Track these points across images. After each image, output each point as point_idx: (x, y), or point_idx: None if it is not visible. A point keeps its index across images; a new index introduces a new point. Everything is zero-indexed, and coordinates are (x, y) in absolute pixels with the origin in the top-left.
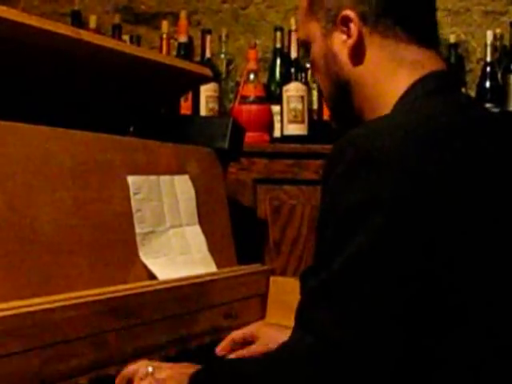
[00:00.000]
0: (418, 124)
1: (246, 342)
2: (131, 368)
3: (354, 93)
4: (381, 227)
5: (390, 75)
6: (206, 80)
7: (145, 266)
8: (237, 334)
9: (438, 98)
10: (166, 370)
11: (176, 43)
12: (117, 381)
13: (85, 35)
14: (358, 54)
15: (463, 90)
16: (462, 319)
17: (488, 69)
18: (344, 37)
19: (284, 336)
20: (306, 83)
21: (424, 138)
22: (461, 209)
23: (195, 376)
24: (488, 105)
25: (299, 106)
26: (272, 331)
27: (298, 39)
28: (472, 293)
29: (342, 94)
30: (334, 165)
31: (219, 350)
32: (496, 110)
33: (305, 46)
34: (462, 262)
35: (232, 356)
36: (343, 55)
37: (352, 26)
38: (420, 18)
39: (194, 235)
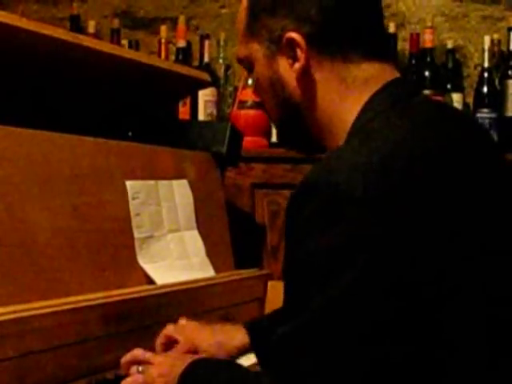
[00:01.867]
0: (378, 157)
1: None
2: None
3: (304, 117)
4: (358, 272)
5: (342, 97)
6: (204, 85)
7: (143, 271)
8: (160, 338)
9: (392, 115)
10: (157, 369)
11: (174, 48)
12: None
13: (84, 40)
14: (306, 78)
15: (461, 95)
16: (445, 370)
17: (485, 74)
18: (290, 61)
19: (203, 332)
20: None
21: (386, 171)
22: (440, 244)
23: (184, 375)
24: (485, 110)
25: None
26: (208, 344)
27: (237, 58)
28: (457, 335)
29: (291, 118)
30: (298, 209)
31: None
32: (493, 115)
33: (245, 65)
34: (449, 305)
35: None
36: (291, 80)
37: (298, 48)
38: (368, 32)
39: (192, 240)
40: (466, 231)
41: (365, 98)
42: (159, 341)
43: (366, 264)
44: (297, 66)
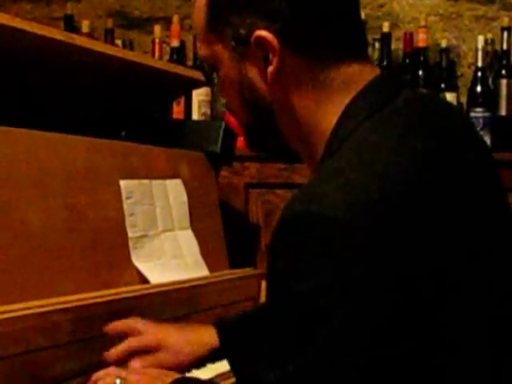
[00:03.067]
0: (373, 185)
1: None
2: (98, 376)
3: (278, 122)
4: (349, 315)
5: (319, 101)
6: (198, 84)
7: (137, 270)
8: (133, 344)
9: (378, 122)
10: (141, 379)
11: (168, 48)
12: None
13: (78, 40)
14: (279, 81)
15: (454, 94)
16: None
17: (479, 74)
18: (260, 63)
19: (170, 327)
20: None
21: (385, 206)
22: (449, 273)
23: None
24: (479, 109)
25: None
26: (174, 338)
27: (199, 57)
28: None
29: (261, 123)
30: (285, 247)
31: (112, 356)
32: (487, 114)
33: (208, 64)
34: (443, 341)
35: (135, 363)
36: (261, 84)
37: (270, 49)
38: (346, 29)
39: (187, 239)
40: (463, 246)
41: (344, 101)
42: (120, 326)
43: (357, 306)
44: (269, 69)
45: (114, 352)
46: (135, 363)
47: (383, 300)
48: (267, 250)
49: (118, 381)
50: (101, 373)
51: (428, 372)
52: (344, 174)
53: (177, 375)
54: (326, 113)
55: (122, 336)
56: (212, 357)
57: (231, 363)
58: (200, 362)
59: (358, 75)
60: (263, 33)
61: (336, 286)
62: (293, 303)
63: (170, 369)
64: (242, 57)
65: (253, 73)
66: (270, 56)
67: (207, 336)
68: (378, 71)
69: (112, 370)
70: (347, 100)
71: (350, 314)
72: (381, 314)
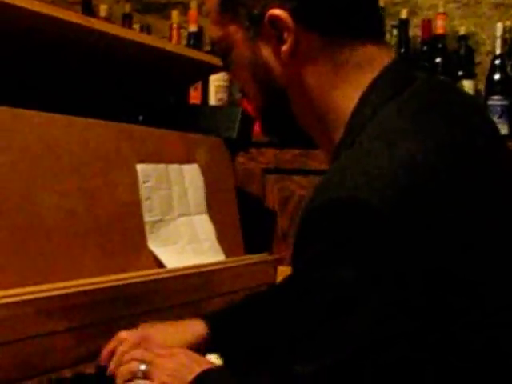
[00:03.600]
0: (407, 171)
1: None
2: (122, 359)
3: (291, 104)
4: (384, 304)
5: (336, 82)
6: (215, 69)
7: (153, 255)
8: (122, 349)
9: (402, 105)
10: (162, 374)
11: (186, 33)
12: (104, 352)
13: (95, 23)
14: (294, 62)
15: (472, 82)
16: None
17: (497, 61)
18: (275, 42)
19: (171, 334)
20: None
21: (421, 192)
22: (481, 272)
23: None
24: (497, 97)
25: None
26: (158, 332)
27: (210, 40)
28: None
29: (276, 106)
30: (320, 233)
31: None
32: (505, 102)
33: (220, 48)
34: (476, 325)
35: None
36: (276, 64)
37: (284, 29)
38: (362, 9)
39: (203, 224)
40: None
41: (361, 85)
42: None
43: (392, 294)
44: (283, 48)
45: (107, 352)
46: None
47: (416, 287)
48: (295, 237)
49: (142, 367)
50: (128, 356)
51: (459, 356)
52: (372, 159)
53: (205, 363)
54: (342, 94)
55: None
56: (201, 348)
57: (224, 353)
58: None
59: (375, 58)
60: (277, 11)
61: (369, 273)
62: (327, 291)
63: None
64: (255, 37)
65: (267, 53)
66: (285, 35)
67: (196, 327)
68: (393, 55)
69: (139, 353)
70: (364, 82)
71: (383, 302)
72: (414, 301)
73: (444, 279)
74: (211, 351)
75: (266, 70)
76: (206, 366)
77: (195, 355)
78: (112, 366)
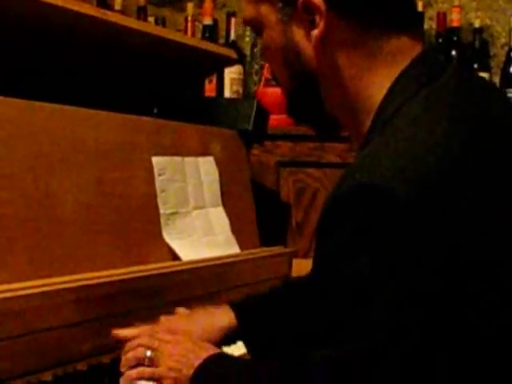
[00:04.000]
0: (434, 160)
1: None
2: (130, 345)
3: (321, 90)
4: (412, 291)
5: (367, 71)
6: (230, 62)
7: (168, 247)
8: (144, 330)
9: (431, 95)
10: (167, 360)
11: (201, 25)
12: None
13: (111, 16)
14: (325, 47)
15: (487, 75)
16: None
17: None
18: (307, 27)
19: (196, 328)
20: None
21: (448, 181)
22: (504, 265)
23: (196, 380)
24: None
25: None
26: (184, 325)
27: (243, 19)
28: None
29: (305, 90)
30: (345, 220)
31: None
32: None
33: (253, 27)
34: (499, 318)
35: None
36: (307, 48)
37: (317, 13)
38: (397, 3)
39: (218, 216)
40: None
41: (391, 75)
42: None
43: (412, 283)
44: (315, 32)
45: (123, 334)
46: None
47: (437, 276)
48: (319, 222)
49: (148, 353)
50: (134, 342)
51: (474, 344)
52: (401, 148)
53: (211, 348)
54: (373, 82)
55: None
56: (227, 340)
57: (248, 348)
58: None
59: (407, 48)
60: None
61: (389, 262)
62: (349, 278)
63: None
64: (288, 19)
65: (298, 36)
66: (317, 19)
67: (222, 319)
68: (421, 45)
69: (145, 339)
70: (395, 72)
71: (404, 291)
72: (434, 289)
73: (463, 266)
74: (237, 340)
75: (297, 53)
76: (212, 352)
77: (201, 342)
78: (123, 351)
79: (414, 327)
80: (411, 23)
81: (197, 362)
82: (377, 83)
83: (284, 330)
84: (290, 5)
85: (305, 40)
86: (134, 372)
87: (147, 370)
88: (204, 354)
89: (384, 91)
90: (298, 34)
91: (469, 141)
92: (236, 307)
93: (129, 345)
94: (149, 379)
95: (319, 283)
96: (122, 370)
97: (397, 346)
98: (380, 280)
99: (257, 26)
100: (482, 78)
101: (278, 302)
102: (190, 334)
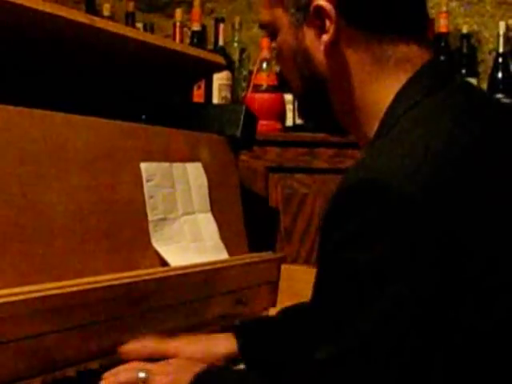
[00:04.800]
0: (437, 158)
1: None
2: (121, 368)
3: (329, 94)
4: (420, 287)
5: (374, 78)
6: (218, 68)
7: (157, 253)
8: (150, 346)
9: (437, 101)
10: (162, 379)
11: (189, 31)
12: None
13: (99, 22)
14: (335, 52)
15: (475, 80)
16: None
17: (500, 59)
18: (318, 31)
19: (201, 353)
20: None
21: (450, 178)
22: (507, 260)
23: None
24: (499, 95)
25: None
26: (191, 348)
27: (259, 23)
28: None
29: (314, 93)
30: (347, 216)
31: (125, 352)
32: (507, 100)
33: (268, 31)
34: (501, 322)
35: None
36: (317, 53)
37: (327, 18)
38: (407, 6)
39: (206, 222)
40: None
41: (399, 81)
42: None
43: (426, 278)
44: (324, 37)
45: (128, 349)
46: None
47: (439, 272)
48: (323, 220)
49: (141, 374)
50: (126, 365)
51: (475, 339)
52: (405, 147)
53: (204, 366)
54: (381, 88)
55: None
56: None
57: (248, 369)
58: None
59: (416, 55)
60: (322, 2)
61: (395, 257)
62: (352, 274)
63: None
64: (300, 23)
65: (309, 40)
66: (327, 24)
67: (226, 344)
68: (431, 53)
69: (137, 363)
70: (403, 78)
71: (407, 286)
72: (437, 285)
73: (465, 260)
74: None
75: (307, 57)
76: (204, 367)
77: (193, 361)
78: (107, 374)
79: (416, 321)
80: (420, 31)
81: (190, 376)
82: (385, 89)
83: (288, 358)
84: (302, 10)
85: (315, 44)
86: None
87: None
88: (197, 369)
89: (391, 97)
90: (309, 38)
91: (471, 146)
92: (238, 332)
93: (121, 367)
94: None
95: (323, 276)
96: None
97: (397, 341)
98: (382, 273)
99: (271, 30)
100: (484, 92)
101: (279, 329)
102: (193, 357)
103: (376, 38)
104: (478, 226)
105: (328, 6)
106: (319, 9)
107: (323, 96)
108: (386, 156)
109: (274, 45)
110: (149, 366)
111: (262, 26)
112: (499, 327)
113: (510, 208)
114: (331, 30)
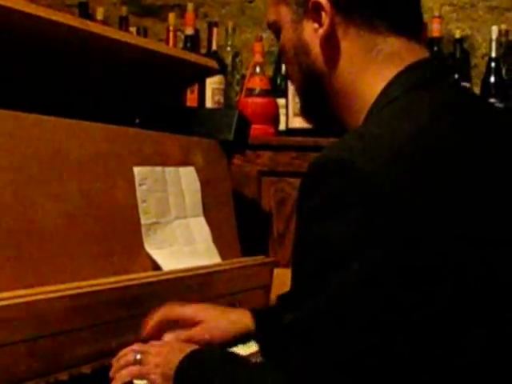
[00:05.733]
0: (404, 142)
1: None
2: (122, 352)
3: (326, 87)
4: (373, 261)
5: (365, 70)
6: (212, 72)
7: (149, 257)
8: (172, 314)
9: (420, 95)
10: (155, 358)
11: (182, 35)
12: (112, 370)
13: (92, 26)
14: (330, 45)
15: (468, 84)
16: (474, 338)
17: (493, 64)
18: (315, 25)
19: (226, 321)
20: None
21: (413, 161)
22: (463, 237)
23: (180, 369)
24: (492, 100)
25: None
26: (213, 314)
27: (267, 23)
28: (476, 325)
29: (313, 88)
30: (313, 190)
31: (147, 325)
32: (500, 105)
33: (274, 30)
34: (467, 297)
35: (167, 336)
36: (315, 46)
37: (323, 13)
38: (401, 7)
39: (199, 226)
40: (484, 224)
41: (388, 74)
42: (165, 315)
43: (379, 253)
44: (321, 31)
45: (150, 321)
46: (168, 336)
47: (402, 251)
48: (299, 191)
49: (138, 356)
50: (126, 349)
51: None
52: (371, 128)
53: (196, 347)
54: (370, 81)
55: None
56: (245, 339)
57: (261, 351)
58: (233, 341)
59: (406, 51)
60: None
61: (362, 234)
62: (314, 245)
63: (200, 343)
64: (300, 19)
65: (307, 34)
66: (323, 19)
67: (245, 318)
68: (426, 53)
69: (135, 346)
70: (392, 73)
71: (368, 262)
72: (399, 263)
73: (431, 243)
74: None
75: (306, 50)
76: (196, 348)
77: (187, 343)
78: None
79: (375, 295)
80: (413, 28)
81: (181, 357)
82: (373, 82)
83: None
84: (301, 5)
85: (313, 38)
86: (122, 372)
87: (135, 369)
88: (189, 350)
89: (380, 89)
90: (307, 32)
91: (439, 137)
92: (254, 312)
93: (120, 353)
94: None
95: (293, 250)
96: (113, 375)
97: (353, 308)
98: (344, 247)
99: (276, 28)
100: (475, 94)
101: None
102: (215, 323)
103: (368, 31)
104: (431, 209)
105: (324, 1)
106: (317, 4)
107: (320, 89)
108: (354, 138)
109: (279, 43)
110: (145, 347)
111: (269, 26)
112: (452, 301)
113: (470, 200)
114: (326, 24)
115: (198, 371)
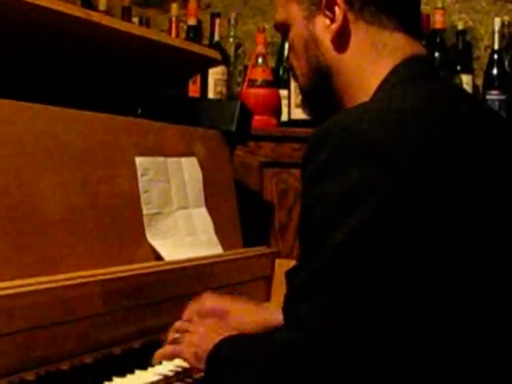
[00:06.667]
0: (404, 111)
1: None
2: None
3: (334, 80)
4: (372, 216)
5: (371, 62)
6: (214, 63)
7: (151, 247)
8: (205, 306)
9: (420, 82)
10: (191, 336)
11: (185, 26)
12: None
13: (95, 17)
14: (341, 39)
15: (470, 77)
16: (458, 313)
17: (495, 56)
18: (328, 21)
19: (254, 313)
20: None
21: (412, 126)
22: (457, 198)
23: (214, 353)
24: (494, 92)
25: None
26: (244, 308)
27: (274, 24)
28: (469, 282)
29: (321, 81)
30: (315, 153)
31: (185, 314)
32: (503, 97)
33: (281, 29)
34: (460, 254)
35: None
36: (326, 40)
37: (337, 10)
38: (406, 6)
39: (201, 217)
40: (474, 198)
41: (391, 65)
42: (199, 308)
43: (376, 210)
44: (334, 26)
45: (188, 310)
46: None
47: (400, 213)
48: (304, 154)
49: (177, 334)
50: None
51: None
52: (373, 104)
53: (234, 331)
54: (374, 72)
55: None
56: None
57: None
58: None
59: (407, 47)
60: None
61: (359, 192)
62: (314, 206)
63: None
64: (312, 16)
65: (319, 30)
66: (336, 15)
67: (275, 316)
68: (424, 51)
69: (177, 323)
70: (392, 65)
71: (364, 222)
72: (395, 224)
73: (430, 213)
74: None
75: (316, 45)
76: (234, 333)
77: (226, 327)
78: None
79: (369, 255)
80: (415, 25)
81: (218, 339)
82: (377, 74)
83: None
84: (315, 4)
85: (324, 33)
86: (157, 352)
87: (169, 347)
88: (226, 334)
89: (381, 79)
90: (319, 28)
91: (439, 117)
92: None
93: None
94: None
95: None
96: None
97: (353, 271)
98: (342, 207)
99: (285, 28)
100: (464, 90)
101: None
102: (245, 317)
103: (377, 26)
104: (425, 177)
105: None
106: (331, 1)
107: (327, 83)
108: (357, 109)
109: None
110: (185, 325)
111: (277, 26)
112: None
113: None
114: (339, 19)
115: (232, 356)
